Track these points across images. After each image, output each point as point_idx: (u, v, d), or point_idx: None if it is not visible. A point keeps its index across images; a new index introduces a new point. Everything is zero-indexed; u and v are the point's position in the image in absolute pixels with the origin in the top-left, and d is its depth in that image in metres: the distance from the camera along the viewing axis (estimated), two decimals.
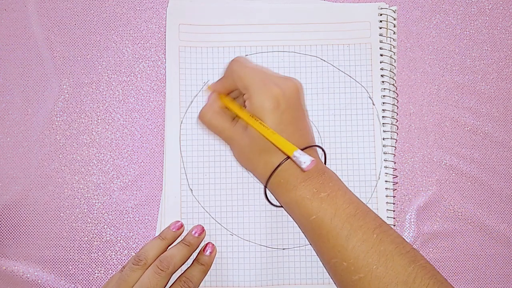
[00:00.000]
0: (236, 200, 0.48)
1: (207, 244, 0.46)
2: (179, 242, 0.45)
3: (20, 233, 0.49)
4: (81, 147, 0.50)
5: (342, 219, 0.39)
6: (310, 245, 0.48)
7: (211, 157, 0.49)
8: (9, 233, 0.49)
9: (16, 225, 0.49)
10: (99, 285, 0.48)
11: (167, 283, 0.43)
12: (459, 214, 0.50)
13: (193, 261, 0.46)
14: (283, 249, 0.48)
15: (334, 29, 0.51)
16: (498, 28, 0.52)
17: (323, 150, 0.45)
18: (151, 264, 0.42)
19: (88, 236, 0.49)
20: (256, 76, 0.41)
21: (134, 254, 0.45)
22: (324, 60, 0.50)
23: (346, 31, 0.50)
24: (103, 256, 0.48)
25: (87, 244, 0.49)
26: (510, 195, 0.50)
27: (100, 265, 0.49)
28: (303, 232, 0.44)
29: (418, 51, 0.51)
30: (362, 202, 0.42)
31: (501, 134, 0.51)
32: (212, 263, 0.46)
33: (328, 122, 0.50)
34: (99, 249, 0.49)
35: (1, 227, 0.49)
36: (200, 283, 0.45)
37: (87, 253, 0.49)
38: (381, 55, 0.50)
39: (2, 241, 0.49)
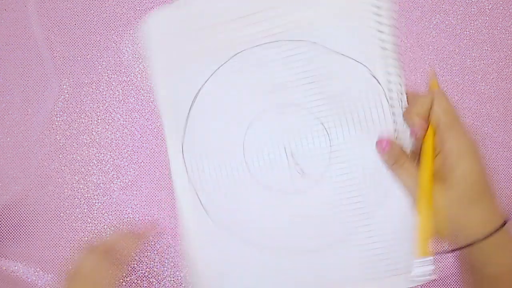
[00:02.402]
0: (243, 204, 0.47)
1: (152, 223, 0.46)
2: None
3: (20, 233, 0.49)
4: (81, 147, 0.50)
5: None
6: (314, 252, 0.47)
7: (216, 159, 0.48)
8: (9, 233, 0.49)
9: (16, 225, 0.49)
10: None
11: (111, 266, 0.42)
12: None
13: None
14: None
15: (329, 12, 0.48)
16: (498, 28, 0.52)
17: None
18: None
19: (88, 236, 0.49)
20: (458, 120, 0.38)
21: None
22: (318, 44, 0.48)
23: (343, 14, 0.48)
24: None
25: (87, 244, 0.49)
26: (510, 195, 0.50)
27: None
28: None
29: (418, 51, 0.51)
30: None
31: (501, 134, 0.51)
32: (149, 236, 0.45)
33: (331, 111, 0.47)
34: None
35: (1, 227, 0.49)
36: (133, 255, 0.44)
37: None
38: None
39: (2, 241, 0.49)
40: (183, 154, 0.47)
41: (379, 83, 0.45)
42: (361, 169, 0.45)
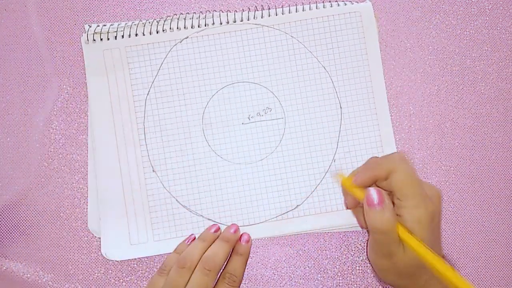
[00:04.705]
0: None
1: (242, 234, 0.47)
2: (217, 240, 0.45)
3: (20, 233, 0.49)
4: (81, 147, 0.50)
5: None
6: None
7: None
8: (9, 233, 0.49)
9: (16, 225, 0.49)
10: (99, 285, 0.48)
11: (215, 281, 0.43)
12: (459, 214, 0.50)
13: (231, 254, 0.45)
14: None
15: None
16: (498, 28, 0.52)
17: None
18: (196, 266, 0.43)
19: (88, 236, 0.49)
20: (417, 188, 0.40)
21: (173, 258, 0.45)
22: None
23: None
24: (103, 256, 0.48)
25: (87, 244, 0.49)
26: (510, 195, 0.50)
27: (100, 265, 0.49)
28: None
29: (418, 51, 0.51)
30: None
31: (501, 134, 0.51)
32: (249, 252, 0.46)
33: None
34: (99, 249, 0.49)
35: (1, 227, 0.49)
36: (243, 275, 0.45)
37: (87, 253, 0.49)
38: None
39: (2, 241, 0.49)
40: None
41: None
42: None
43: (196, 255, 0.43)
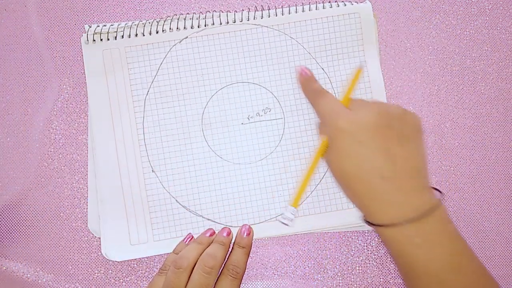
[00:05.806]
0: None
1: (242, 226, 0.47)
2: (213, 243, 0.45)
3: (20, 233, 0.49)
4: (81, 147, 0.50)
5: (435, 268, 0.39)
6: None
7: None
8: (9, 233, 0.49)
9: (16, 225, 0.49)
10: (99, 285, 0.48)
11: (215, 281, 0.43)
12: (459, 214, 0.50)
13: (233, 247, 0.46)
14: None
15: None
16: (498, 28, 0.52)
17: (437, 189, 0.44)
18: (193, 266, 0.43)
19: (88, 236, 0.49)
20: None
21: (172, 258, 0.45)
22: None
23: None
24: (103, 256, 0.48)
25: (87, 244, 0.49)
26: (510, 195, 0.50)
27: (100, 265, 0.49)
28: (397, 266, 0.44)
29: (418, 51, 0.51)
30: (466, 252, 0.41)
31: (501, 134, 0.51)
32: (251, 244, 0.46)
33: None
34: (99, 249, 0.49)
35: (1, 227, 0.49)
36: (246, 266, 0.45)
37: (87, 253, 0.49)
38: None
39: (2, 241, 0.49)
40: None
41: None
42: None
43: (193, 256, 0.43)
